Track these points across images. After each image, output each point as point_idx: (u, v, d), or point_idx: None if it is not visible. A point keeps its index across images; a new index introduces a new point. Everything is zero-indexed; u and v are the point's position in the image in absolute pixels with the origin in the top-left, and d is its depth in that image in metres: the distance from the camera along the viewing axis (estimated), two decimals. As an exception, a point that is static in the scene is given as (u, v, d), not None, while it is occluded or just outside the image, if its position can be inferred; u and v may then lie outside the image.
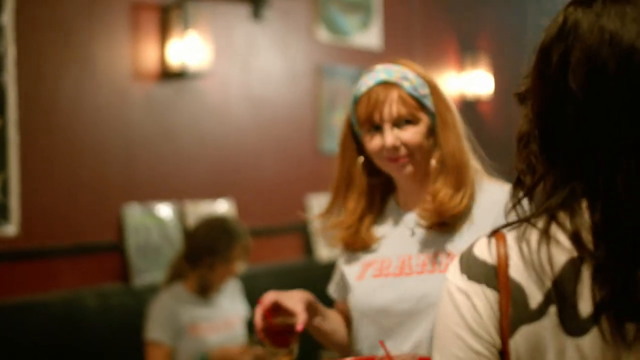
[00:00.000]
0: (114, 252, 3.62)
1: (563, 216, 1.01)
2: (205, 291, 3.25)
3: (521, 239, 1.03)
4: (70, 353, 3.34)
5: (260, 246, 4.41)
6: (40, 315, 3.27)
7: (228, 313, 3.35)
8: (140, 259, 3.66)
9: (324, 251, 4.81)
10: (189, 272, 3.25)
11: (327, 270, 4.74)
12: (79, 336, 3.37)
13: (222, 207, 4.17)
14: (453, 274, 1.07)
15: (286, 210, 4.64)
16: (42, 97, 3.38)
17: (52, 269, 3.39)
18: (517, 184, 1.08)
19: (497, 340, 1.02)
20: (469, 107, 5.80)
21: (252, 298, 4.37)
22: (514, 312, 1.01)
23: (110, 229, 3.62)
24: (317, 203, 4.82)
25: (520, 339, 1.01)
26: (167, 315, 3.15)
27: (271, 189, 4.54)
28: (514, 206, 1.07)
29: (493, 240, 1.06)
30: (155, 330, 3.13)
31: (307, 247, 4.76)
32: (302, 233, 4.75)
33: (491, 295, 1.03)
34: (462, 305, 1.04)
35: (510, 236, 1.05)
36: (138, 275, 3.63)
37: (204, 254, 3.19)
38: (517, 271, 1.02)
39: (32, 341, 3.22)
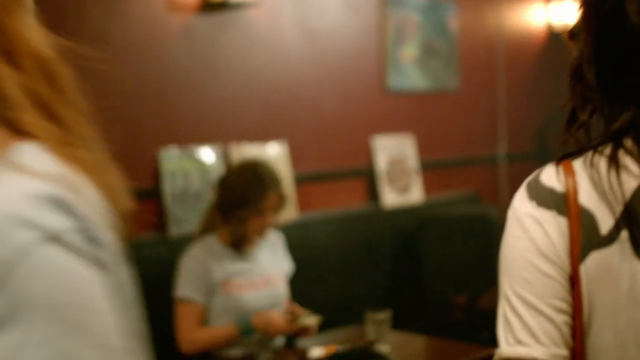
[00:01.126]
0: (149, 200, 3.36)
1: (629, 143, 1.03)
2: (239, 245, 2.95)
3: (589, 165, 1.04)
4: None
5: (317, 192, 4.09)
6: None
7: (267, 269, 3.04)
8: (178, 207, 3.39)
9: (390, 196, 4.45)
10: (221, 224, 2.96)
11: (393, 217, 4.40)
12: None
13: (273, 150, 3.85)
14: (521, 201, 1.08)
15: (348, 154, 4.29)
16: (63, 34, 3.10)
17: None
18: (571, 119, 1.10)
19: (568, 266, 1.03)
20: (557, 39, 5.27)
21: (309, 247, 4.10)
22: (584, 238, 1.02)
23: (144, 175, 3.36)
24: (384, 145, 4.45)
25: (590, 264, 1.02)
26: (198, 270, 2.87)
27: (331, 130, 4.19)
28: (566, 140, 1.10)
29: (560, 168, 1.07)
30: (186, 287, 2.86)
31: (372, 193, 4.41)
32: (367, 177, 4.40)
33: (562, 221, 1.04)
34: (533, 230, 1.05)
35: (578, 163, 1.06)
36: (175, 225, 3.37)
37: (234, 206, 2.89)
38: (586, 198, 1.04)
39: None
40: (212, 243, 2.94)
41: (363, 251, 4.24)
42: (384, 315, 2.72)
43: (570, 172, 1.06)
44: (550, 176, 1.07)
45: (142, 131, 3.35)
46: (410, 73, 4.55)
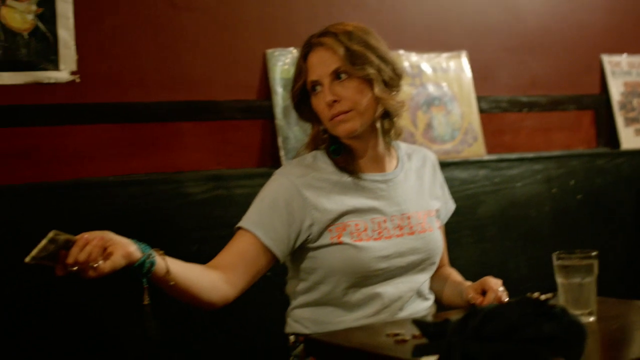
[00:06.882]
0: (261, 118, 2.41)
1: None
2: (339, 156, 1.89)
3: None
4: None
5: (518, 128, 2.96)
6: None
7: (409, 206, 1.91)
8: (295, 128, 2.40)
9: (628, 135, 3.18)
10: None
11: (633, 160, 3.11)
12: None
13: (445, 64, 2.76)
14: None
15: (565, 77, 3.11)
16: None
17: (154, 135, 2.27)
18: None
19: None
20: None
21: (504, 199, 2.90)
22: None
23: (247, 84, 2.40)
24: (615, 69, 3.21)
25: None
26: (283, 199, 1.81)
27: (536, 43, 3.03)
28: None
29: None
30: (250, 217, 1.81)
31: (602, 130, 3.17)
32: (595, 109, 3.17)
33: None
34: None
35: None
36: (291, 154, 2.38)
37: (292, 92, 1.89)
38: None
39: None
40: (319, 162, 1.89)
41: (587, 207, 2.98)
42: (586, 262, 1.52)
43: None
44: None
45: (246, 26, 2.41)
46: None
